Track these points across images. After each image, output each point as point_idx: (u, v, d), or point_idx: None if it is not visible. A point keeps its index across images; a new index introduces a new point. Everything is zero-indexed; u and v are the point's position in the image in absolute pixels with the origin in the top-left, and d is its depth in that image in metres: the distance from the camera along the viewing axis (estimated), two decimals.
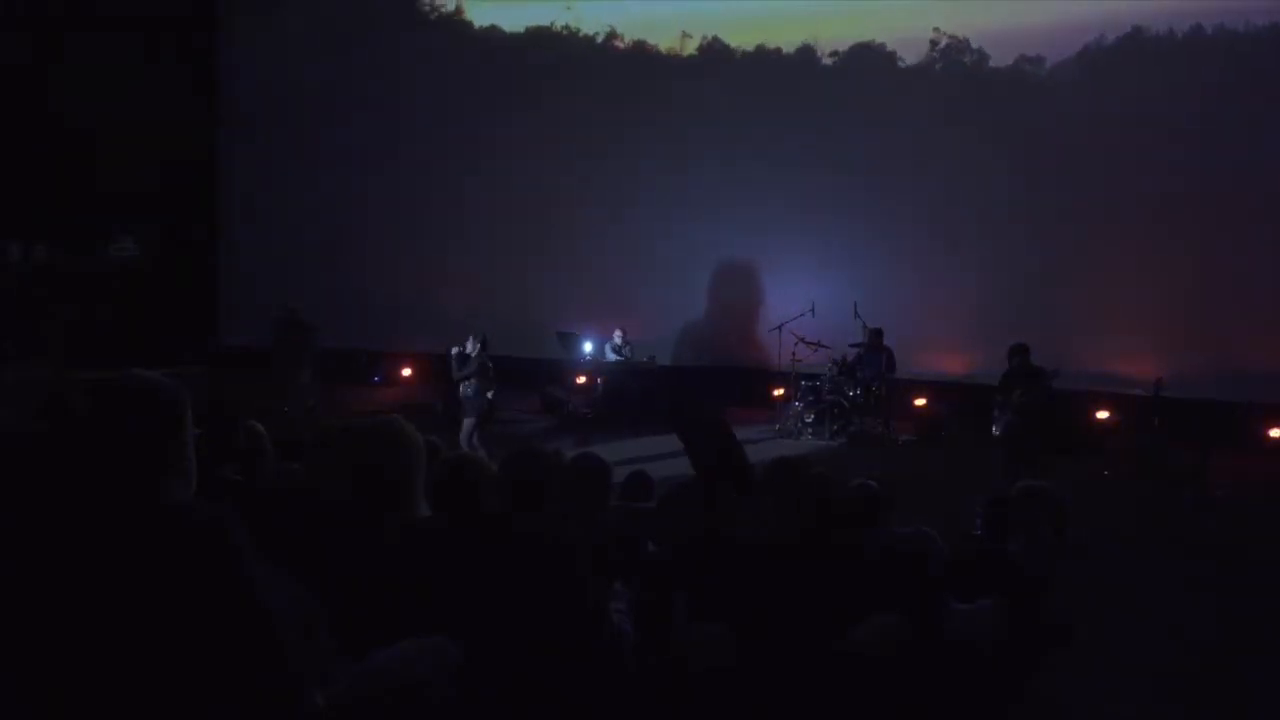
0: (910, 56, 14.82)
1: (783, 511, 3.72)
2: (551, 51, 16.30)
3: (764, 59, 15.54)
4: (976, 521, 5.55)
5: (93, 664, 1.97)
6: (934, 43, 14.64)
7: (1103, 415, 12.87)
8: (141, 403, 2.18)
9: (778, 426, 13.35)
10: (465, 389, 11.18)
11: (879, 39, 14.95)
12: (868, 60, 15.05)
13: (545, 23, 16.34)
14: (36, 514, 2.14)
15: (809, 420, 13.21)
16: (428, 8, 16.84)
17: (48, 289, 15.37)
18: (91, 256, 16.14)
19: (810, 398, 13.29)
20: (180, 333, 15.76)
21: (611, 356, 14.36)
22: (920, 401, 14.05)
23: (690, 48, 15.91)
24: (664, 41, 16.00)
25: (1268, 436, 12.48)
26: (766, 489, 3.94)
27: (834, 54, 15.23)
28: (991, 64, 14.45)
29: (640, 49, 16.08)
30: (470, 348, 11.30)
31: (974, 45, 14.50)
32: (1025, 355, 10.48)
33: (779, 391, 14.03)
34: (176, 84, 16.41)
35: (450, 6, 16.74)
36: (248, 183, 17.01)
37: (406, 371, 16.14)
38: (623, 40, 16.17)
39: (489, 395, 11.27)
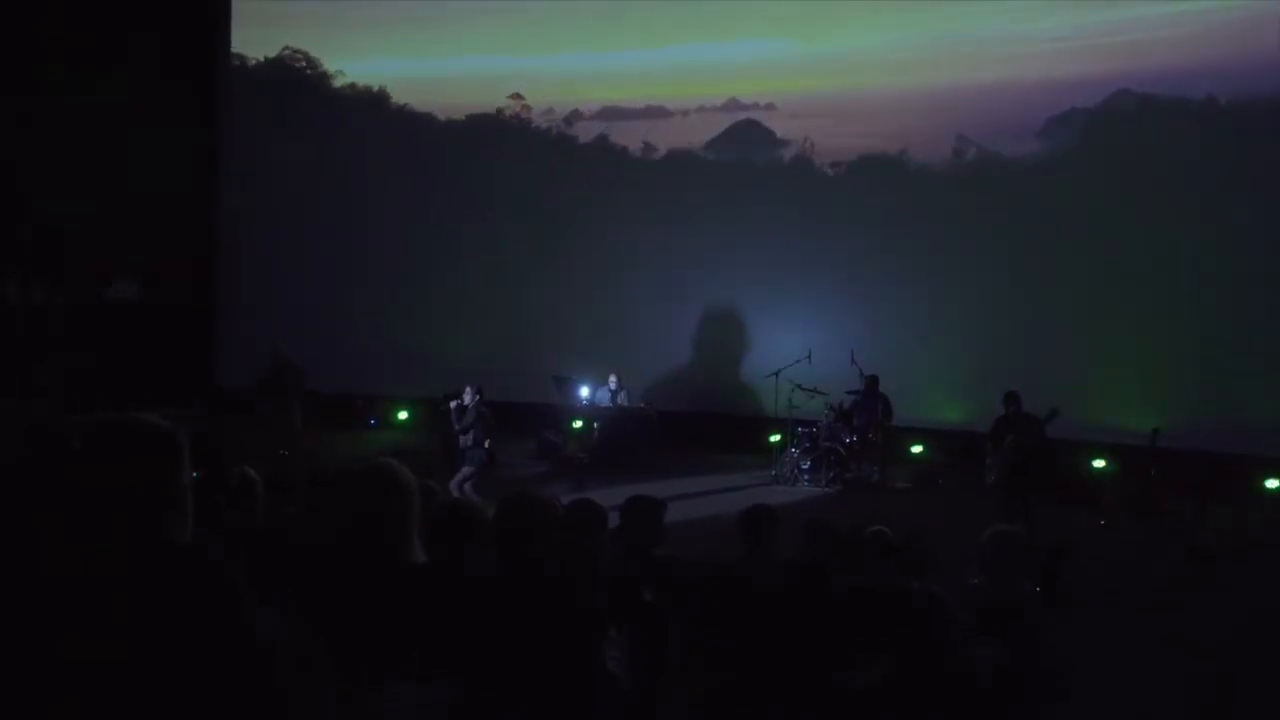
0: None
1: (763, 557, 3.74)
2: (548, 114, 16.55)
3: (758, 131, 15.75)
4: (971, 570, 5.54)
5: (88, 699, 1.96)
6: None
7: (1099, 464, 12.86)
8: (140, 444, 2.19)
9: (773, 473, 13.33)
10: (464, 440, 11.23)
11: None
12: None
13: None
14: (34, 547, 2.14)
15: (805, 467, 13.19)
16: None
17: (45, 328, 15.38)
18: (90, 297, 16.17)
19: (806, 444, 13.28)
20: (178, 375, 15.75)
21: (604, 402, 14.34)
22: (916, 449, 14.06)
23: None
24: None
25: (1264, 488, 12.45)
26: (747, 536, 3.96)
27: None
28: (990, 113, 14.54)
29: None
30: (468, 398, 11.36)
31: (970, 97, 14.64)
32: (1018, 403, 10.50)
33: (775, 438, 14.01)
34: (179, 128, 16.55)
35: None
36: (247, 226, 17.07)
37: (402, 415, 16.12)
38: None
39: (487, 445, 11.31)
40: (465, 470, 11.06)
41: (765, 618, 3.52)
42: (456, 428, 11.28)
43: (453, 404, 11.44)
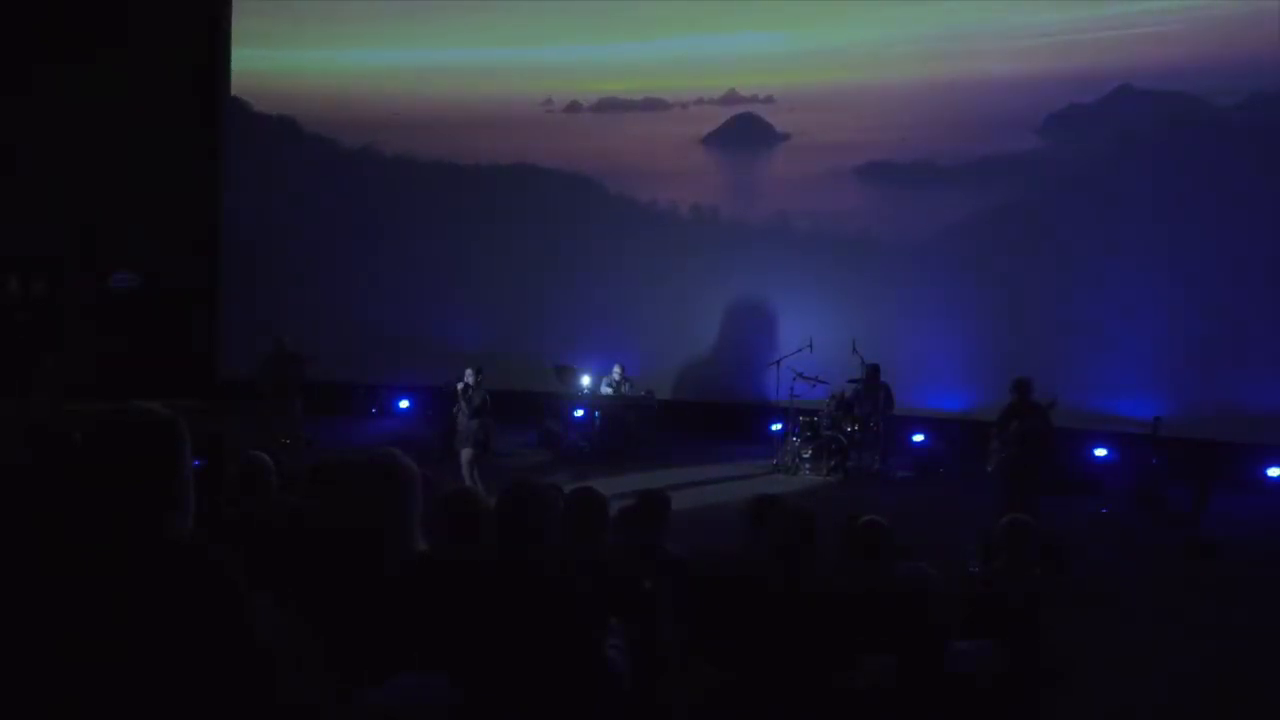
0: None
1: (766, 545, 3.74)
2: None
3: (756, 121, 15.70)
4: (971, 559, 5.54)
5: (88, 699, 1.97)
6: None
7: (1101, 452, 12.87)
8: (142, 435, 2.19)
9: (775, 462, 13.34)
10: (466, 421, 11.28)
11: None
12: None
13: None
14: (34, 545, 2.14)
15: (806, 456, 13.20)
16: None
17: (47, 321, 15.39)
18: (91, 289, 16.17)
19: (808, 433, 13.28)
20: (180, 365, 15.76)
21: (606, 391, 14.34)
22: (918, 438, 14.06)
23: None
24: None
25: (1265, 476, 12.47)
26: (748, 524, 3.96)
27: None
28: (989, 107, 14.51)
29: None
30: (470, 378, 11.44)
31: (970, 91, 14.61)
32: (1025, 390, 10.49)
33: (776, 426, 14.03)
34: (181, 116, 16.55)
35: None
36: (248, 216, 17.08)
37: (404, 404, 16.15)
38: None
39: (485, 426, 11.38)
40: (466, 453, 11.11)
41: (764, 615, 3.52)
42: (466, 409, 11.32)
43: (459, 385, 11.52)
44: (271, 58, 17.23)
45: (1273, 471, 12.45)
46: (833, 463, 13.06)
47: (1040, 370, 10.94)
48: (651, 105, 16.11)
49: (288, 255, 16.58)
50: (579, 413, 14.65)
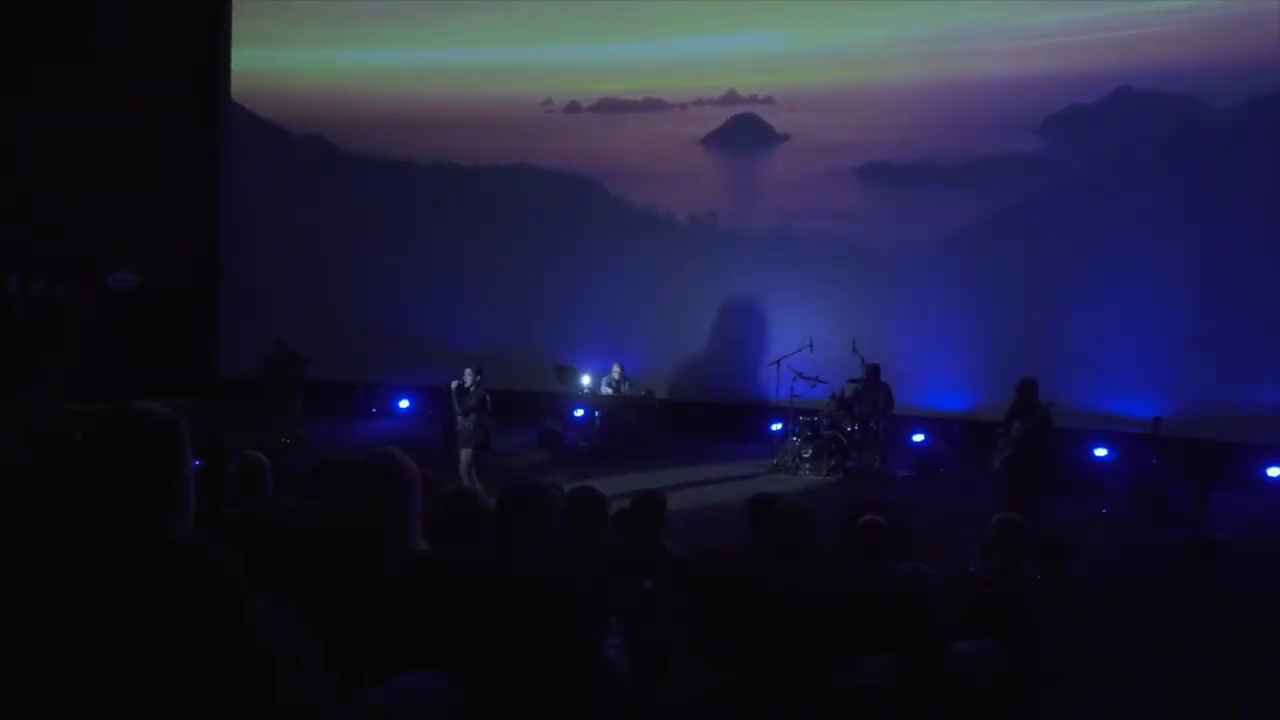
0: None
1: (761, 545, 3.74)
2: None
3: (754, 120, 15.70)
4: (971, 559, 5.53)
5: (87, 699, 1.96)
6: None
7: (1101, 453, 12.87)
8: (142, 435, 2.18)
9: (775, 461, 13.35)
10: (464, 421, 11.30)
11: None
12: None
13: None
14: (33, 546, 2.14)
15: (806, 456, 13.20)
16: None
17: (47, 320, 15.38)
18: (92, 288, 16.16)
19: (808, 433, 13.29)
20: (180, 365, 15.76)
21: (606, 391, 14.35)
22: (918, 437, 14.07)
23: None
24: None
25: (1265, 476, 12.46)
26: (747, 524, 3.97)
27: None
28: (989, 108, 14.51)
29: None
30: (469, 380, 11.44)
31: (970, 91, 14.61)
32: (1028, 391, 10.49)
33: (777, 426, 14.04)
34: (180, 115, 16.55)
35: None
36: (248, 215, 17.09)
37: (404, 404, 16.16)
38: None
39: (484, 426, 11.40)
40: (465, 453, 11.13)
41: (764, 615, 3.52)
42: (458, 410, 11.35)
43: (453, 384, 11.53)
44: (271, 58, 17.24)
45: (1273, 471, 12.44)
46: (833, 463, 13.07)
47: (1040, 370, 10.95)
48: (651, 105, 16.12)
49: (287, 255, 16.59)
50: (579, 413, 14.66)
